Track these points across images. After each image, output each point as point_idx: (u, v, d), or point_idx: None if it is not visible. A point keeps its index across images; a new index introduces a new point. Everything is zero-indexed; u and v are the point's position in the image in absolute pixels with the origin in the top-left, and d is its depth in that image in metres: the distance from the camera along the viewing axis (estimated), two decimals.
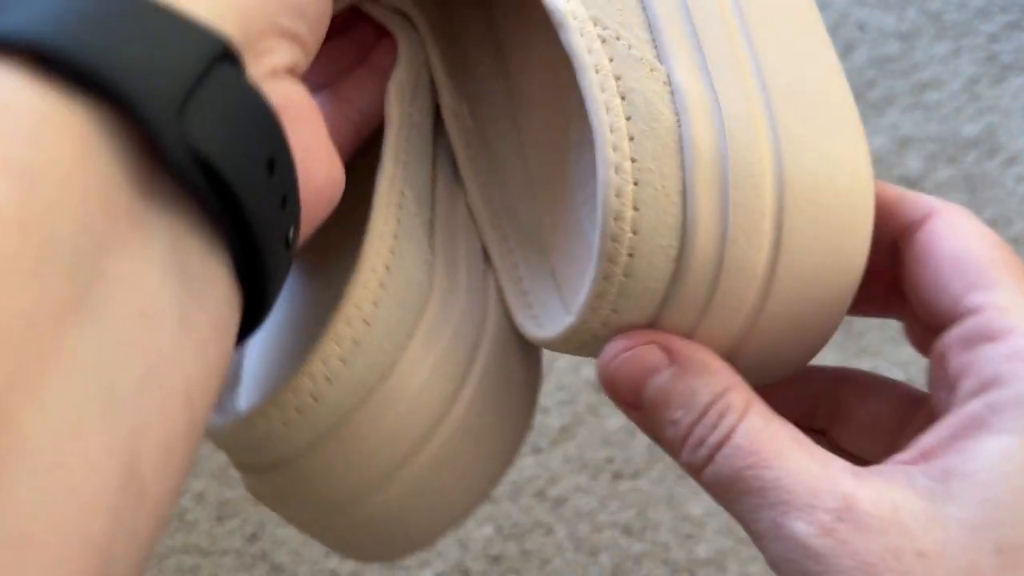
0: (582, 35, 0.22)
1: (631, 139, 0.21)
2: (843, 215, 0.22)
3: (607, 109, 0.21)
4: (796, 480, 0.19)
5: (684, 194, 0.21)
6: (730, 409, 0.21)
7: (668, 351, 0.22)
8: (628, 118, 0.21)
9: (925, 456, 0.20)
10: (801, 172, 0.21)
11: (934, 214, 0.22)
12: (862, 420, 0.25)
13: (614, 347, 0.22)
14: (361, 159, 0.29)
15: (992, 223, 0.46)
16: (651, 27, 0.22)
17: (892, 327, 0.45)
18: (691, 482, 0.45)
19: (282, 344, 0.29)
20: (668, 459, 0.46)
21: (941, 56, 0.49)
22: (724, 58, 0.22)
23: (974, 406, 0.19)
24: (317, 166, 0.22)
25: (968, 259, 0.21)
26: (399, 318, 0.26)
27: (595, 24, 0.22)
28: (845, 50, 0.49)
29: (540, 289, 0.28)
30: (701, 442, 0.21)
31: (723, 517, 0.45)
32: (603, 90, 0.21)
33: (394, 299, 0.26)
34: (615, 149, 0.21)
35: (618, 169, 0.21)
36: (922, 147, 0.48)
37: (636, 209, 0.21)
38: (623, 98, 0.21)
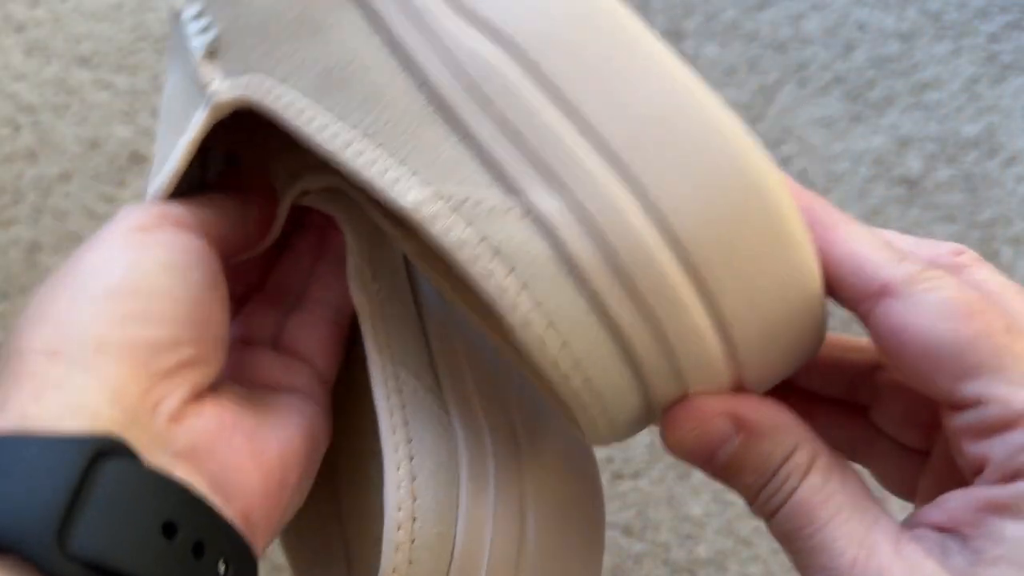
0: (436, 219, 0.22)
1: (525, 287, 0.21)
2: (754, 212, 0.21)
3: (490, 276, 0.21)
4: (841, 548, 0.21)
5: (596, 311, 0.21)
6: (795, 470, 0.22)
7: (736, 419, 0.22)
8: (512, 270, 0.21)
9: (955, 525, 0.21)
10: (685, 215, 0.20)
11: (888, 292, 0.22)
12: (897, 412, 0.25)
13: (681, 423, 0.22)
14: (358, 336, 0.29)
15: (992, 223, 0.46)
16: (486, 166, 0.22)
17: None
18: (691, 482, 0.45)
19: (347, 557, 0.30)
20: (668, 459, 0.46)
21: (941, 56, 0.49)
22: (560, 155, 0.21)
23: (1000, 492, 0.20)
24: (246, 478, 0.23)
25: (943, 346, 0.21)
26: (440, 497, 0.26)
27: (439, 199, 0.22)
28: (845, 50, 0.49)
29: None
30: (768, 500, 0.22)
31: (723, 517, 0.45)
32: (477, 260, 0.21)
33: (429, 483, 0.26)
34: (514, 308, 0.21)
35: (527, 325, 0.21)
36: (922, 147, 0.48)
37: (566, 346, 0.21)
38: (497, 253, 0.21)
